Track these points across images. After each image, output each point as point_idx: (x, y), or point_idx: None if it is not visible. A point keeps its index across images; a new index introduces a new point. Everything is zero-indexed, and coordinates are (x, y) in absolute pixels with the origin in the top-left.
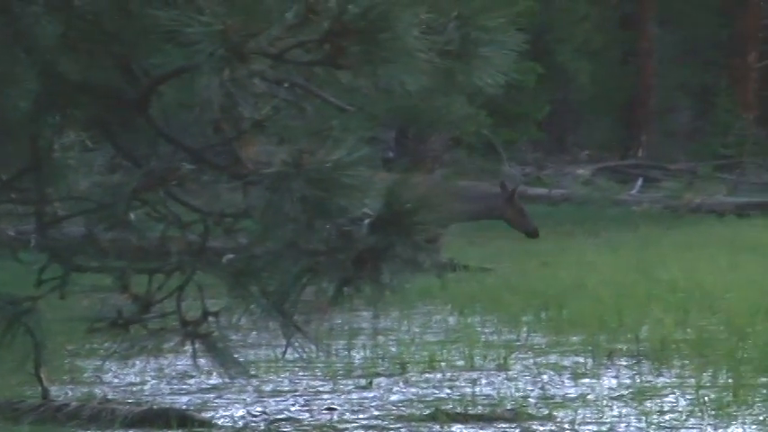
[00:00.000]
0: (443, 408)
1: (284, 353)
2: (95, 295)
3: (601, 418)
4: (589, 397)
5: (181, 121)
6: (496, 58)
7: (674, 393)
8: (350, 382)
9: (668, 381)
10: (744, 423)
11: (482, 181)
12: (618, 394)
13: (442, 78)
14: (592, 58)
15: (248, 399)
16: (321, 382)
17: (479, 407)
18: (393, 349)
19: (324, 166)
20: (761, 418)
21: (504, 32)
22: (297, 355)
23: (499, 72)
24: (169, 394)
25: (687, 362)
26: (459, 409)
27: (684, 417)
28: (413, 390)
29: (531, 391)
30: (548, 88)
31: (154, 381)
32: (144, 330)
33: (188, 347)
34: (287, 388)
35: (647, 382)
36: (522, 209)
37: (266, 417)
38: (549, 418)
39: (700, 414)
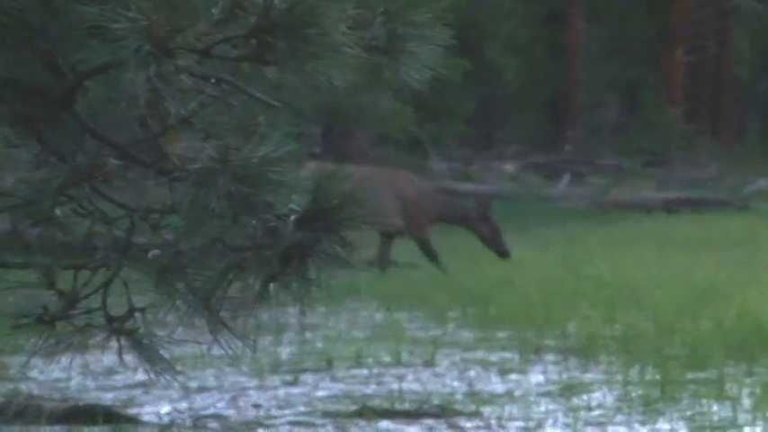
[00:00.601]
0: (370, 404)
1: (210, 349)
2: (21, 291)
3: (528, 414)
4: (516, 393)
5: (107, 116)
6: (423, 54)
7: (601, 389)
8: (276, 378)
9: (595, 377)
10: (671, 419)
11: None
12: (545, 390)
13: (368, 74)
14: (519, 54)
15: (174, 395)
16: (247, 379)
17: (406, 403)
18: (320, 345)
19: (250, 161)
20: (688, 414)
21: (431, 28)
22: (223, 352)
23: (426, 68)
24: (95, 390)
25: (614, 358)
26: (386, 405)
27: (612, 413)
28: (340, 386)
29: (458, 386)
30: (475, 84)
31: (80, 377)
32: (70, 326)
33: (114, 344)
34: (213, 384)
35: (575, 378)
36: (498, 229)
37: (192, 413)
38: (476, 414)
39: (627, 410)
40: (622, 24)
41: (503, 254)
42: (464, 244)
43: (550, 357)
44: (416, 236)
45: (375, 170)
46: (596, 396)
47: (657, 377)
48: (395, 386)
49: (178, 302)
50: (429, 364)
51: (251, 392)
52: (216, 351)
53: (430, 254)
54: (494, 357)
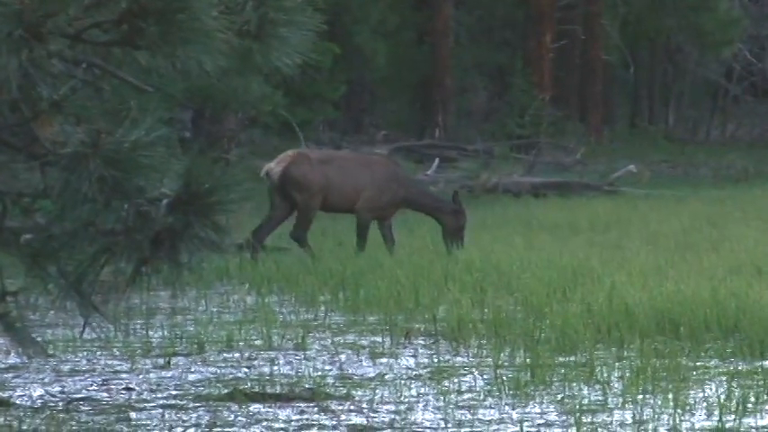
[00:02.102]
0: (242, 387)
1: (82, 332)
2: None
3: (399, 397)
4: (387, 376)
5: None
6: (294, 39)
7: (471, 373)
8: (148, 361)
9: (466, 360)
10: (541, 402)
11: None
12: (416, 374)
13: (239, 58)
14: (388, 39)
15: (46, 378)
16: (119, 362)
17: (278, 386)
18: (191, 329)
19: (122, 146)
20: (558, 397)
21: (301, 13)
22: (95, 335)
23: (296, 52)
24: None
25: (484, 341)
26: (257, 389)
27: (482, 396)
28: (211, 369)
29: (329, 370)
30: (344, 68)
31: None
32: None
33: None
34: (85, 368)
35: (445, 361)
36: (463, 226)
37: (65, 396)
38: (347, 397)
39: (498, 393)
40: (491, 9)
41: (456, 247)
42: (333, 228)
43: (421, 341)
44: (361, 215)
45: (355, 154)
46: (467, 379)
47: (527, 360)
48: (266, 370)
49: (50, 286)
50: (300, 347)
51: (123, 376)
52: (87, 334)
53: (363, 236)
54: (364, 341)
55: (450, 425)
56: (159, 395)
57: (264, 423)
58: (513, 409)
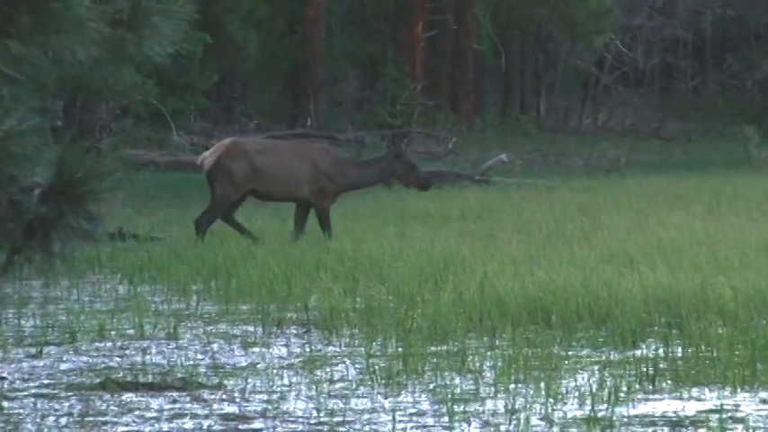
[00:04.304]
0: (114, 376)
1: None
2: None
3: (271, 386)
4: (259, 366)
5: None
6: (166, 28)
7: (343, 362)
8: (20, 350)
9: (338, 350)
10: (413, 392)
11: (153, 150)
12: (288, 363)
13: (112, 48)
14: (259, 28)
15: None
16: None
17: (150, 375)
18: (63, 318)
19: None
20: (431, 386)
21: (174, 2)
22: None
23: (169, 41)
24: None
25: (356, 331)
26: (129, 378)
27: (355, 385)
28: (83, 358)
29: (202, 359)
30: (215, 58)
31: None
32: None
33: None
34: None
35: (317, 350)
36: (413, 164)
37: None
38: (220, 386)
39: (370, 383)
40: None
41: (424, 186)
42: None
43: (293, 330)
44: (319, 205)
45: (293, 143)
46: (339, 369)
47: (399, 350)
48: (138, 359)
49: None
50: (172, 337)
51: None
52: None
53: (326, 224)
54: (236, 330)
55: (322, 414)
56: (31, 384)
57: (137, 412)
58: (385, 399)
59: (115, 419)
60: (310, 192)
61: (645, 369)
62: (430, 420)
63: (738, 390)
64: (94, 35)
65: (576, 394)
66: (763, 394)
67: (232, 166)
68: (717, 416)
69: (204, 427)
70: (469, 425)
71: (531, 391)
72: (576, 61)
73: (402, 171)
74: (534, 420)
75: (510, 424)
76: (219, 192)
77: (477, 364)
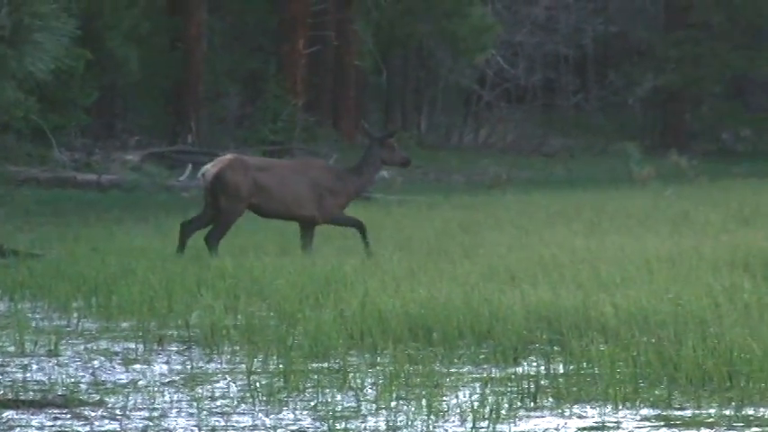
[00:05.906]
0: None
1: None
2: None
3: (152, 403)
4: (140, 383)
5: None
6: (48, 44)
7: (225, 379)
8: None
9: (219, 367)
10: (295, 409)
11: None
12: (169, 380)
13: None
14: (140, 44)
15: None
16: None
17: (30, 392)
18: None
19: None
20: (312, 403)
21: (56, 19)
22: None
23: (50, 57)
24: None
25: (238, 348)
26: (10, 395)
27: (236, 403)
28: None
29: (83, 376)
30: (96, 74)
31: None
32: None
33: None
34: None
35: (198, 368)
36: (393, 145)
37: None
38: (101, 403)
39: (251, 400)
40: (243, 15)
41: (405, 164)
42: (87, 234)
43: (174, 347)
44: (329, 221)
45: (292, 161)
46: (220, 386)
47: (281, 367)
48: (19, 376)
49: None
50: (53, 354)
51: None
52: None
53: (350, 224)
54: (117, 347)
55: (203, 431)
56: None
57: (18, 429)
58: (266, 416)
59: None
60: (317, 210)
61: (526, 386)
62: None
63: (620, 407)
64: None
65: (458, 411)
66: (644, 411)
67: (236, 178)
68: None
69: None
70: None
71: (413, 409)
72: (458, 78)
73: (388, 154)
74: None
75: None
76: (226, 206)
77: (359, 381)
